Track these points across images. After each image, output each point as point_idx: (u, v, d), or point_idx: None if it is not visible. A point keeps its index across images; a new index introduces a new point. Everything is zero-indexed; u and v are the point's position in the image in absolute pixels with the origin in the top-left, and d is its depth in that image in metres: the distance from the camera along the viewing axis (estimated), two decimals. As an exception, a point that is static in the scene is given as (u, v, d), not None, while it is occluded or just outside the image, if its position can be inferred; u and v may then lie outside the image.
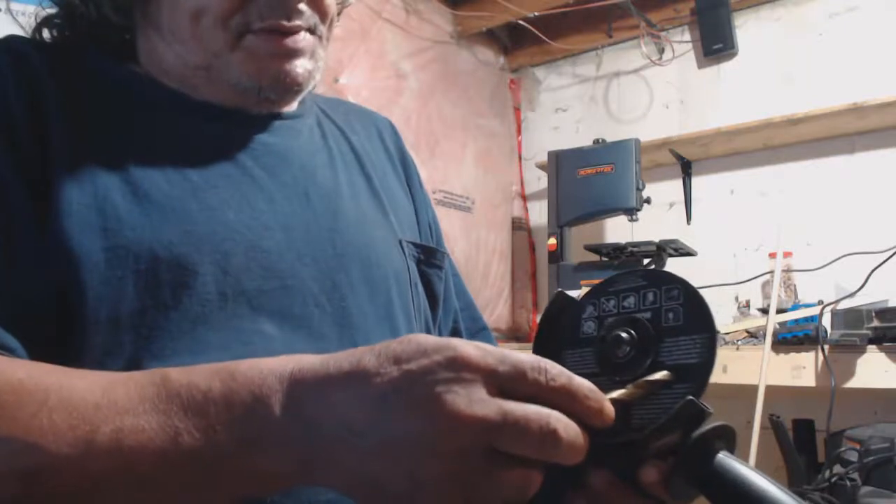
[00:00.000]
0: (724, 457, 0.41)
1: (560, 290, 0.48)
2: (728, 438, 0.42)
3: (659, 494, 0.42)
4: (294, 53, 0.60)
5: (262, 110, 0.64)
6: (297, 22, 0.59)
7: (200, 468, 0.39)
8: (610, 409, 0.39)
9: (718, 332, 1.83)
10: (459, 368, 0.36)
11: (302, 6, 0.59)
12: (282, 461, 0.39)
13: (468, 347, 0.37)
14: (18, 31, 0.64)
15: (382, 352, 0.38)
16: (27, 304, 0.49)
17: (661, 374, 0.42)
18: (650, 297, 0.45)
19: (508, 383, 0.36)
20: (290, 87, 0.61)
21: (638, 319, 0.45)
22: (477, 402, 0.35)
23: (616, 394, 0.41)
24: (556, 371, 0.37)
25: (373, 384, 0.37)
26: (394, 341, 0.39)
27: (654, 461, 0.41)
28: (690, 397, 0.39)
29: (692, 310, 0.43)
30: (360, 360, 0.38)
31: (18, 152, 0.52)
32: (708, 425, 0.41)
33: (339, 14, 0.73)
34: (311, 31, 0.61)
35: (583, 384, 0.38)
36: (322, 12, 0.62)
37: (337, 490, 0.39)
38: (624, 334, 0.44)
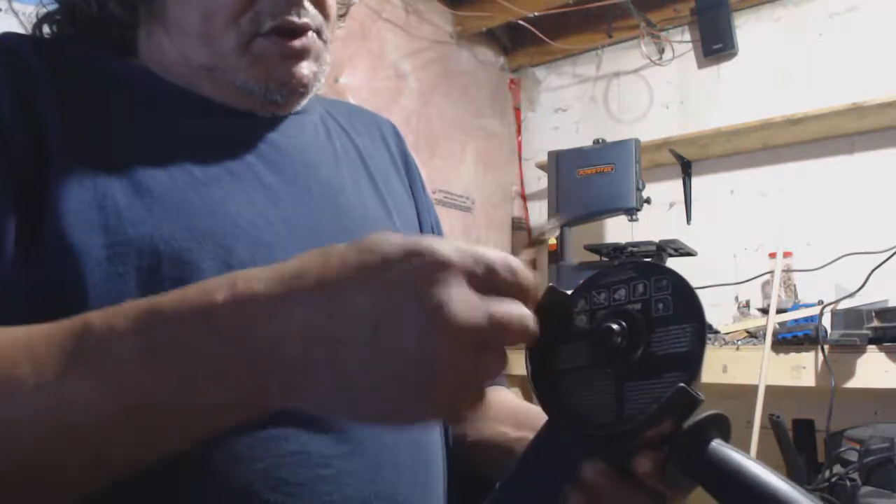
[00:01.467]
0: (717, 445, 0.41)
1: (551, 284, 0.48)
2: (723, 427, 0.42)
3: (654, 485, 0.42)
4: (300, 55, 0.60)
5: (267, 113, 0.64)
6: (306, 20, 0.60)
7: (142, 418, 0.37)
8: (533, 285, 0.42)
9: (714, 328, 1.84)
10: (438, 270, 0.36)
11: (307, 4, 0.60)
12: (234, 392, 0.37)
13: (439, 246, 0.37)
14: (20, 31, 0.64)
15: (336, 259, 0.37)
16: (25, 305, 0.49)
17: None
18: (640, 288, 0.45)
19: (483, 280, 0.38)
20: (296, 88, 0.61)
21: (628, 311, 0.45)
22: (465, 306, 0.36)
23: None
24: (518, 265, 0.40)
25: (343, 295, 0.36)
26: (350, 245, 0.37)
27: (648, 451, 0.41)
28: (682, 385, 0.39)
29: (681, 299, 0.43)
30: (321, 273, 0.37)
31: (10, 154, 0.51)
32: (702, 414, 0.41)
33: (343, 16, 0.73)
34: (318, 33, 0.62)
35: (530, 278, 0.40)
36: (325, 13, 0.62)
37: (306, 408, 0.38)
38: (615, 326, 0.44)
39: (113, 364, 0.38)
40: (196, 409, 0.38)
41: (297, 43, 0.60)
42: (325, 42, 0.63)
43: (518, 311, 0.39)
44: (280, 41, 0.59)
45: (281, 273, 0.38)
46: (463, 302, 0.36)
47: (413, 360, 0.36)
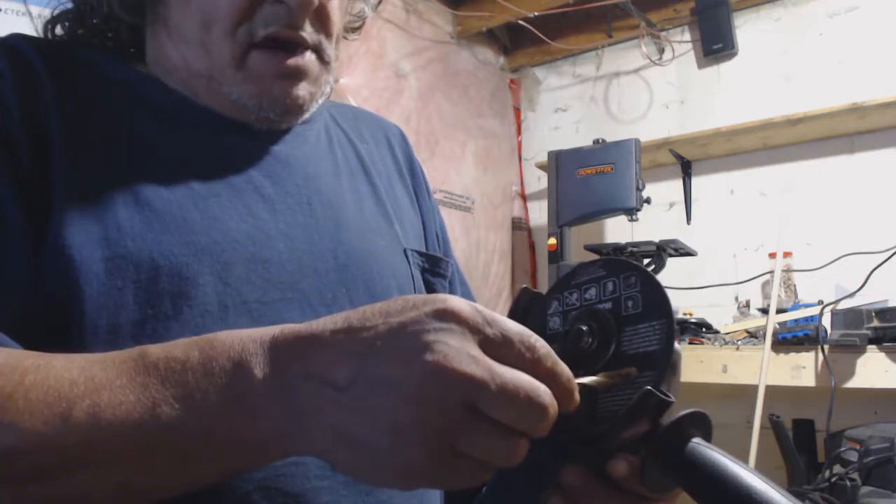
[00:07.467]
0: (695, 444, 0.40)
1: (525, 286, 0.47)
2: (703, 426, 0.41)
3: (632, 487, 0.41)
4: (297, 76, 0.59)
5: (263, 127, 0.63)
6: (302, 34, 0.59)
7: (181, 439, 0.38)
8: (577, 396, 0.39)
9: (714, 328, 1.84)
10: (448, 320, 0.35)
11: (307, 23, 0.59)
12: (263, 426, 0.38)
13: (457, 301, 0.36)
14: (32, 32, 0.64)
15: (368, 310, 0.38)
16: (24, 313, 0.48)
17: (630, 371, 0.42)
18: (610, 286, 0.44)
19: (494, 347, 0.36)
20: (290, 109, 0.60)
21: (598, 311, 0.44)
22: (465, 356, 0.34)
23: (585, 380, 0.40)
24: (543, 351, 0.37)
25: (359, 337, 0.37)
26: (379, 302, 0.38)
27: (627, 453, 0.41)
28: (648, 387, 0.38)
29: (649, 296, 0.42)
30: (345, 319, 0.38)
31: (14, 161, 0.51)
32: (680, 413, 0.40)
33: (356, 30, 0.72)
34: (318, 52, 0.61)
35: (565, 369, 0.38)
36: (327, 31, 0.61)
37: (315, 455, 0.38)
38: (584, 327, 0.43)
39: (169, 384, 0.39)
40: (225, 442, 0.39)
41: (291, 62, 0.58)
42: (326, 63, 0.62)
43: (530, 382, 0.35)
44: (275, 58, 0.58)
45: (326, 321, 0.39)
46: (461, 350, 0.35)
47: (402, 399, 0.34)
